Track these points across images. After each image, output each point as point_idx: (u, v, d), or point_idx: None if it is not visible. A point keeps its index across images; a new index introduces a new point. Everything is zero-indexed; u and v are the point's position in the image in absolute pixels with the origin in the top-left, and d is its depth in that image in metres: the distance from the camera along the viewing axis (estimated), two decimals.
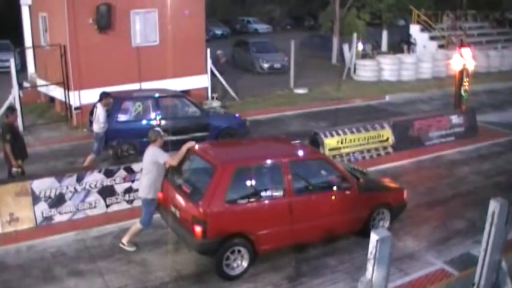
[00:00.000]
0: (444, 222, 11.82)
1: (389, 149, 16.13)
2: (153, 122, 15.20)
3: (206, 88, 22.39)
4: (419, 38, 35.82)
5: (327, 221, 9.95)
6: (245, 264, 9.27)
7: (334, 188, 10.06)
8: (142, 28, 20.22)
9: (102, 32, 19.04)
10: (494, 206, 6.59)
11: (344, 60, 30.73)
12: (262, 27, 55.86)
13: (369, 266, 5.57)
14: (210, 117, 16.43)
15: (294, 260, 9.87)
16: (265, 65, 30.62)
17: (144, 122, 15.39)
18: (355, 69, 29.45)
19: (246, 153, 10.64)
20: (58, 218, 11.29)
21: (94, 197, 11.63)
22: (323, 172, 10.40)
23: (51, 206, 11.18)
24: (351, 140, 15.32)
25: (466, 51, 18.54)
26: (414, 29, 36.50)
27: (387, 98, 24.39)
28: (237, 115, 17.79)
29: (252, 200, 9.20)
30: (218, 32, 50.49)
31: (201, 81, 22.05)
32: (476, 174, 15.04)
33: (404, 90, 26.26)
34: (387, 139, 16.11)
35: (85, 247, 10.40)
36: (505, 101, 24.34)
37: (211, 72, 22.49)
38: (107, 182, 11.73)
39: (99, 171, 11.71)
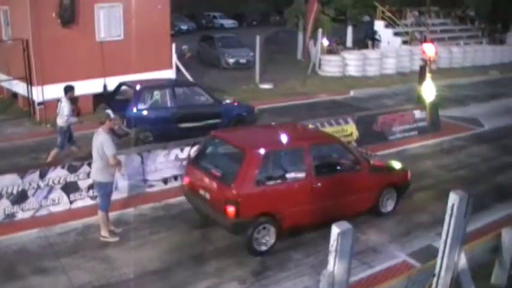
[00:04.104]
0: (407, 215, 12.01)
1: (354, 144, 16.28)
2: (170, 110, 16.05)
3: None
4: (383, 34, 36.26)
5: (343, 200, 10.75)
6: (272, 240, 9.97)
7: (349, 169, 11.02)
8: (107, 22, 19.94)
9: (66, 26, 18.73)
10: (453, 198, 6.68)
11: (309, 56, 30.88)
12: (228, 23, 55.67)
13: (331, 259, 5.61)
14: (222, 105, 17.27)
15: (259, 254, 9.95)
16: (231, 60, 30.55)
17: (161, 110, 16.11)
18: (320, 65, 29.62)
19: (271, 139, 11.05)
20: (21, 215, 11.12)
21: (57, 193, 11.48)
22: (338, 155, 11.30)
23: (13, 202, 10.99)
24: None
25: (429, 47, 18.82)
26: (379, 25, 36.93)
27: (352, 93, 24.62)
28: (248, 104, 18.79)
29: (278, 181, 10.02)
30: (184, 27, 50.10)
31: (166, 76, 21.88)
32: (439, 168, 15.34)
33: (368, 85, 26.56)
34: (351, 134, 16.29)
35: (49, 244, 10.26)
36: (467, 96, 24.77)
37: (177, 67, 22.37)
38: (71, 178, 11.60)
39: (63, 167, 11.57)
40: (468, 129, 19.20)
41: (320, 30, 29.79)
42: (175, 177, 13.00)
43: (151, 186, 12.82)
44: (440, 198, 12.30)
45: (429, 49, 18.88)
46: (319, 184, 10.29)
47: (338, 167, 10.98)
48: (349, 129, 16.29)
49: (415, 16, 40.22)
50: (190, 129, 15.56)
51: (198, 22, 54.46)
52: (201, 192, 10.32)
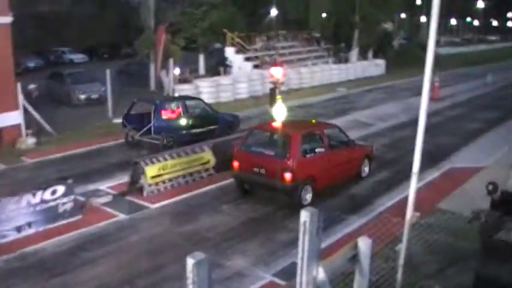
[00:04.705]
0: (269, 235, 12.20)
1: (212, 171, 16.34)
2: (185, 120, 19.98)
3: (19, 125, 21.04)
4: (234, 59, 37.06)
5: (345, 167, 15.24)
6: (310, 197, 13.77)
7: (346, 145, 15.55)
8: None
9: None
10: (305, 215, 6.81)
11: (163, 86, 30.74)
12: (77, 57, 53.97)
13: None
14: (219, 114, 21.54)
15: None
16: (82, 96, 29.60)
17: (179, 120, 19.90)
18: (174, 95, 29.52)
19: (301, 127, 15.60)
20: None
21: None
22: (339, 136, 15.75)
23: None
24: (172, 166, 15.27)
25: (277, 70, 19.42)
26: (229, 52, 37.71)
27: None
28: (234, 113, 23.28)
29: (311, 155, 14.24)
30: (31, 64, 47.72)
31: (12, 118, 20.69)
32: None
33: (223, 111, 26.74)
34: (208, 161, 16.31)
35: None
36: (316, 114, 25.77)
37: (24, 107, 21.23)
38: None
39: None
40: None
41: (171, 60, 29.77)
42: (29, 224, 12.28)
43: (3, 236, 11.97)
44: (298, 214, 12.63)
45: (277, 72, 19.51)
46: (332, 155, 14.61)
47: (341, 144, 15.48)
48: (206, 157, 16.31)
49: (264, 40, 41.55)
50: (198, 134, 19.66)
51: (46, 58, 52.33)
52: (255, 169, 13.83)
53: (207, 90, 29.64)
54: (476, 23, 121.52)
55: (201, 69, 38.02)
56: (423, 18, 79.12)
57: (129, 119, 20.33)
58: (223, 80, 31.54)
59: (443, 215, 12.79)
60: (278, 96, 19.35)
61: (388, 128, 23.63)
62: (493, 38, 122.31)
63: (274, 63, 25.59)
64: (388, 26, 59.80)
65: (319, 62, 42.33)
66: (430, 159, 17.30)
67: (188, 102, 20.94)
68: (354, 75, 42.37)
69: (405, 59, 48.46)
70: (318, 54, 44.80)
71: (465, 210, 12.52)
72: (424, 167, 15.70)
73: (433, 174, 16.65)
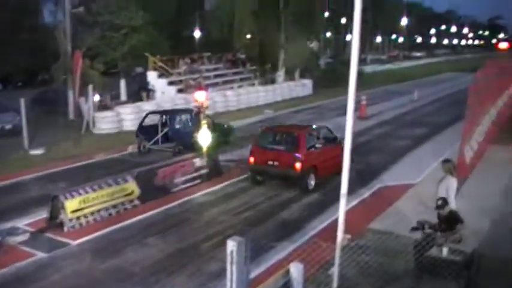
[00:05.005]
0: (198, 267, 12.23)
1: (136, 202, 16.25)
2: (192, 129, 22.76)
3: None
4: (157, 84, 36.95)
5: (336, 159, 15.68)
6: (313, 183, 17.88)
7: (334, 142, 19.03)
8: None
9: None
10: (231, 245, 6.98)
11: (82, 114, 30.28)
12: None
13: None
14: (215, 123, 24.35)
15: None
16: None
17: (187, 128, 23.73)
18: (94, 123, 29.22)
19: (304, 128, 20.46)
20: None
21: None
22: (329, 134, 19.60)
23: None
24: (94, 199, 15.06)
25: (200, 94, 19.61)
26: (152, 76, 37.59)
27: (130, 148, 24.52)
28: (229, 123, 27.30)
29: (313, 149, 18.23)
30: None
31: None
32: (225, 213, 15.91)
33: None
34: (132, 192, 16.22)
35: None
36: (242, 138, 26.07)
37: None
38: None
39: None
40: (247, 170, 20.16)
41: (90, 86, 29.37)
42: None
43: None
44: (225, 245, 12.74)
45: (200, 96, 19.66)
46: (327, 150, 18.50)
47: (331, 141, 19.12)
48: (130, 187, 16.21)
49: (188, 63, 41.61)
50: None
51: None
52: (269, 162, 17.82)
53: (130, 117, 29.53)
54: (401, 39, 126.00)
55: (123, 95, 37.64)
56: (349, 37, 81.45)
57: (141, 130, 24.35)
58: (146, 105, 31.39)
59: (375, 235, 13.16)
60: (203, 121, 19.47)
61: None
62: (418, 54, 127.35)
63: (199, 87, 25.80)
64: (314, 45, 61.16)
65: (245, 84, 42.84)
66: (360, 179, 17.87)
67: (194, 115, 24.32)
68: (281, 96, 43.12)
69: (332, 78, 49.68)
70: (243, 76, 45.28)
71: (396, 229, 13.00)
72: (354, 187, 16.32)
73: (364, 194, 17.18)
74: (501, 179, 17.94)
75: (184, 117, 24.47)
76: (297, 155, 17.40)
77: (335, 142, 18.89)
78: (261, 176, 18.53)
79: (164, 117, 24.59)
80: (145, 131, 24.25)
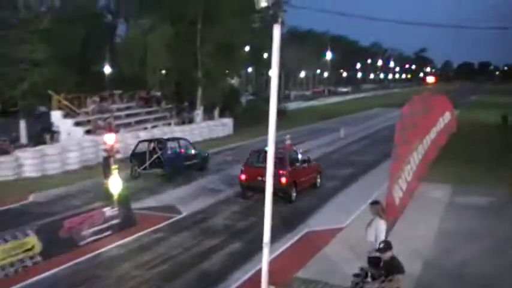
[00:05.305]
0: None
1: (38, 258, 15.56)
2: (182, 154, 28.92)
3: None
4: (63, 124, 35.98)
5: (309, 177, 24.40)
6: (295, 195, 22.49)
7: (310, 162, 24.95)
8: None
9: None
10: None
11: None
12: None
13: None
14: (198, 151, 30.86)
15: None
16: None
17: (178, 154, 28.83)
18: None
19: (286, 150, 24.47)
20: None
21: None
22: (304, 156, 24.82)
23: None
24: None
25: (109, 136, 19.24)
26: (56, 116, 36.59)
27: (31, 197, 23.64)
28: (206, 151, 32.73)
29: (294, 167, 22.98)
30: None
31: None
32: (139, 268, 15.42)
33: (50, 185, 25.81)
34: (33, 247, 15.52)
35: None
36: (156, 184, 26.01)
37: None
38: None
39: None
40: (165, 219, 19.98)
41: None
42: None
43: None
44: None
45: (109, 139, 19.28)
46: (303, 168, 23.81)
47: (307, 161, 24.61)
48: (31, 242, 15.49)
49: (96, 102, 40.79)
50: (188, 166, 28.89)
51: None
52: (259, 178, 20.38)
53: (30, 162, 28.46)
54: (326, 74, 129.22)
55: (23, 138, 36.40)
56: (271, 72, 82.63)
57: (134, 157, 28.64)
58: (50, 149, 30.49)
59: (301, 285, 13.17)
60: (113, 167, 19.03)
61: (238, 193, 23.98)
62: (344, 89, 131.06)
63: (109, 128, 25.29)
64: (235, 81, 61.68)
65: (160, 124, 42.49)
66: (286, 224, 17.86)
67: (181, 141, 30.00)
68: (200, 136, 43.04)
69: (253, 116, 49.89)
70: (158, 115, 45.02)
71: (325, 277, 12.99)
72: (279, 233, 16.33)
73: (290, 241, 17.12)
74: (433, 219, 18.42)
75: (173, 144, 29.18)
76: (283, 170, 21.62)
77: (309, 162, 24.67)
78: (251, 190, 22.83)
79: (152, 144, 28.86)
80: (137, 157, 28.58)
